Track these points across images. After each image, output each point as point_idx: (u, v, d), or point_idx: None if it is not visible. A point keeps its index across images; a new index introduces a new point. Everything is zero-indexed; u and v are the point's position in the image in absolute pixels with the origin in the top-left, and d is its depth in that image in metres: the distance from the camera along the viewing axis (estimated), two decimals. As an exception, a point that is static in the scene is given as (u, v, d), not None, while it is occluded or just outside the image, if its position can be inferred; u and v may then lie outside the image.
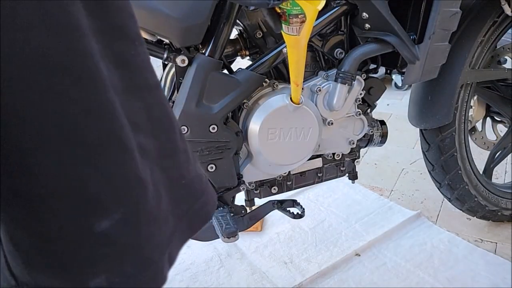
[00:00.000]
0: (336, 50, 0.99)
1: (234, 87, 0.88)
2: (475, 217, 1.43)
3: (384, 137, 1.13)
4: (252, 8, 0.85)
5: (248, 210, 1.02)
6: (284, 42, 0.84)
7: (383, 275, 1.26)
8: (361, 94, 1.02)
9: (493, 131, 1.49)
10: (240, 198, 1.02)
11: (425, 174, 1.57)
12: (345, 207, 1.61)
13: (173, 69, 0.92)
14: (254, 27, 0.96)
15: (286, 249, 1.41)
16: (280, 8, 0.73)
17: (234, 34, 0.95)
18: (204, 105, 0.87)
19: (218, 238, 0.94)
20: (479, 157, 1.50)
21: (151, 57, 0.90)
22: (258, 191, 1.04)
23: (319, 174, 1.10)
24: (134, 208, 0.30)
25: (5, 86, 0.24)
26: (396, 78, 2.81)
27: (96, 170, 0.28)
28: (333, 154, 1.08)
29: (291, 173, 1.06)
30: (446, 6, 0.95)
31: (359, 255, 1.35)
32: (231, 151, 0.92)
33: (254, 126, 0.92)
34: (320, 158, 1.08)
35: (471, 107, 1.37)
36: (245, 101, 0.93)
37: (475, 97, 1.39)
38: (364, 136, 1.08)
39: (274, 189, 1.06)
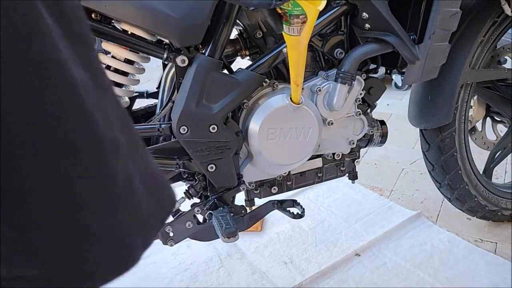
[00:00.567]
0: (336, 50, 0.99)
1: (234, 87, 0.88)
2: (475, 217, 1.43)
3: (384, 137, 1.13)
4: (252, 8, 0.85)
5: (248, 210, 1.02)
6: (284, 42, 0.84)
7: (383, 275, 1.26)
8: (361, 94, 1.02)
9: (493, 131, 1.49)
10: (240, 198, 1.02)
11: (425, 174, 1.57)
12: (345, 207, 1.61)
13: (173, 69, 0.92)
14: (254, 27, 0.96)
15: (286, 249, 1.41)
16: (281, 8, 0.73)
17: (234, 34, 0.95)
18: (204, 105, 0.87)
19: (218, 238, 0.94)
20: (479, 157, 1.50)
21: (151, 57, 0.90)
22: (258, 191, 1.04)
23: (319, 174, 1.10)
24: (111, 200, 0.33)
25: None
26: (396, 78, 2.81)
27: (75, 167, 0.30)
28: (333, 154, 1.08)
29: (291, 173, 1.06)
30: (446, 6, 0.95)
31: (359, 255, 1.35)
32: (231, 151, 0.92)
33: (254, 126, 0.92)
34: (320, 158, 1.08)
35: (471, 107, 1.37)
36: (245, 101, 0.93)
37: (475, 97, 1.39)
38: (364, 136, 1.08)
39: (274, 189, 1.06)
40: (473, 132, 1.43)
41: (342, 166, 1.11)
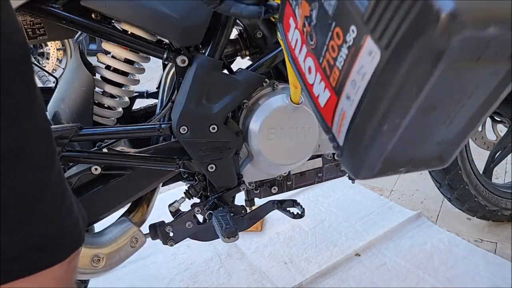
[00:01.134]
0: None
1: (234, 87, 0.88)
2: (475, 217, 1.43)
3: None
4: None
5: (248, 210, 1.02)
6: (284, 42, 0.84)
7: (383, 275, 1.26)
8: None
9: (493, 131, 1.49)
10: (240, 198, 1.02)
11: (425, 174, 1.57)
12: (345, 207, 1.61)
13: (173, 69, 0.92)
14: (254, 27, 0.95)
15: (286, 249, 1.41)
16: (274, 17, 0.73)
17: (234, 34, 0.95)
18: (204, 105, 0.87)
19: (218, 238, 0.94)
20: (479, 157, 1.50)
21: (151, 57, 0.90)
22: (258, 191, 1.04)
23: (319, 174, 1.09)
24: (58, 202, 0.44)
25: None
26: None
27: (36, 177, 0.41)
28: (333, 154, 1.08)
29: (291, 173, 1.06)
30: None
31: (359, 255, 1.35)
32: (231, 151, 0.92)
33: (254, 126, 0.92)
34: (320, 158, 1.08)
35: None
36: (245, 101, 0.93)
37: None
38: (364, 136, 1.08)
39: (274, 189, 1.06)
40: (473, 132, 1.43)
41: (342, 166, 1.11)
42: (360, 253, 1.36)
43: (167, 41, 0.88)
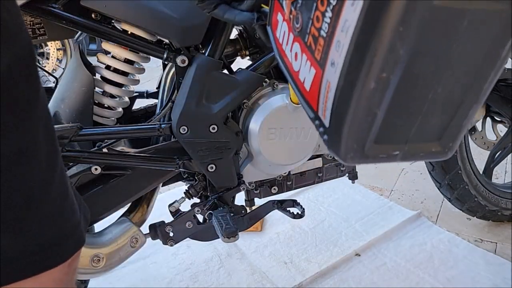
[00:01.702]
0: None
1: (234, 87, 0.88)
2: (475, 217, 1.43)
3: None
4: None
5: (248, 210, 1.02)
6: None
7: (383, 275, 1.26)
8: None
9: (493, 131, 1.48)
10: (240, 198, 1.02)
11: (425, 174, 1.57)
12: (345, 207, 1.61)
13: (173, 69, 0.92)
14: (254, 27, 0.96)
15: (286, 249, 1.41)
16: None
17: (234, 34, 0.95)
18: (204, 105, 0.87)
19: (218, 238, 0.94)
20: (479, 157, 1.50)
21: (151, 57, 0.90)
22: (258, 191, 1.04)
23: (319, 174, 1.09)
24: (60, 204, 0.44)
25: None
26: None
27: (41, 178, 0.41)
28: (333, 154, 1.08)
29: (291, 173, 1.06)
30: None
31: (359, 255, 1.35)
32: (231, 151, 0.92)
33: (254, 126, 0.92)
34: (320, 158, 1.08)
35: (471, 107, 1.36)
36: (245, 101, 0.93)
37: (475, 97, 1.39)
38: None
39: (274, 189, 1.06)
40: (473, 132, 1.43)
41: (342, 166, 1.11)
42: (360, 253, 1.36)
43: (167, 41, 0.88)
